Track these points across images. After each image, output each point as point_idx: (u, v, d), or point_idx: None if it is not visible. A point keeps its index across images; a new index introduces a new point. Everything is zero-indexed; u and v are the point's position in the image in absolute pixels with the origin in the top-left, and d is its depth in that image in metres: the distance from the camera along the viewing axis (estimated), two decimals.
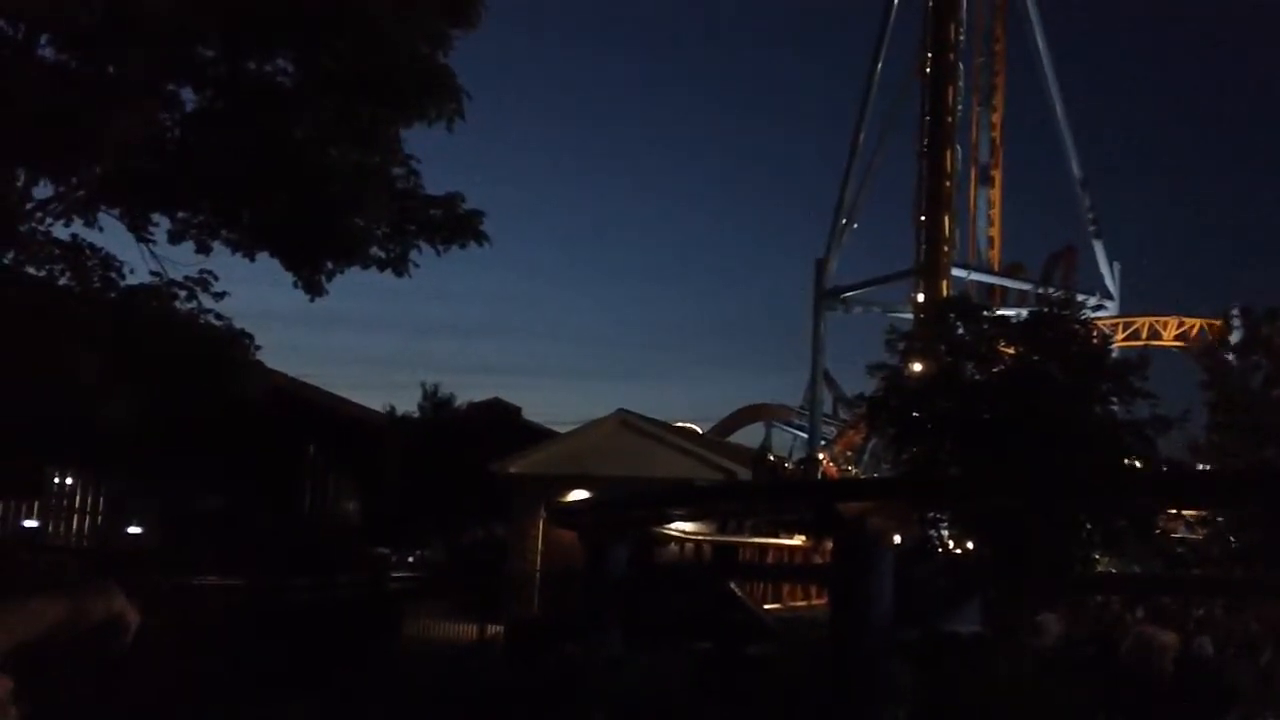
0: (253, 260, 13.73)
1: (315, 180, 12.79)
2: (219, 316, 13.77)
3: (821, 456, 50.70)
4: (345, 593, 22.14)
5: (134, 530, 24.34)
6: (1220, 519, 24.49)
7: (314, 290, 13.75)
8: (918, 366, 27.04)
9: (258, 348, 14.33)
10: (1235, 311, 31.09)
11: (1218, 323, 39.12)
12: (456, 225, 13.74)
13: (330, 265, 13.69)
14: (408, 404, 40.00)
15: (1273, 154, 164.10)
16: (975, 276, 55.21)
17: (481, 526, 34.13)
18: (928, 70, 54.17)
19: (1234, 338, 29.84)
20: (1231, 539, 24.16)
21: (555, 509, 26.33)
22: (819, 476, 45.02)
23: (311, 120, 12.97)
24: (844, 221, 59.02)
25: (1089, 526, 20.77)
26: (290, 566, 21.26)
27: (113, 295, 13.33)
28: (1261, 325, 27.23)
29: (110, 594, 2.05)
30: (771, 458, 41.52)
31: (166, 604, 16.71)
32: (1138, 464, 21.55)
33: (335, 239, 13.38)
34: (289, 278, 13.74)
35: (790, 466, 45.55)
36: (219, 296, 13.67)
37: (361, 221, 13.35)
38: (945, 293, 47.45)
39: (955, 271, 53.17)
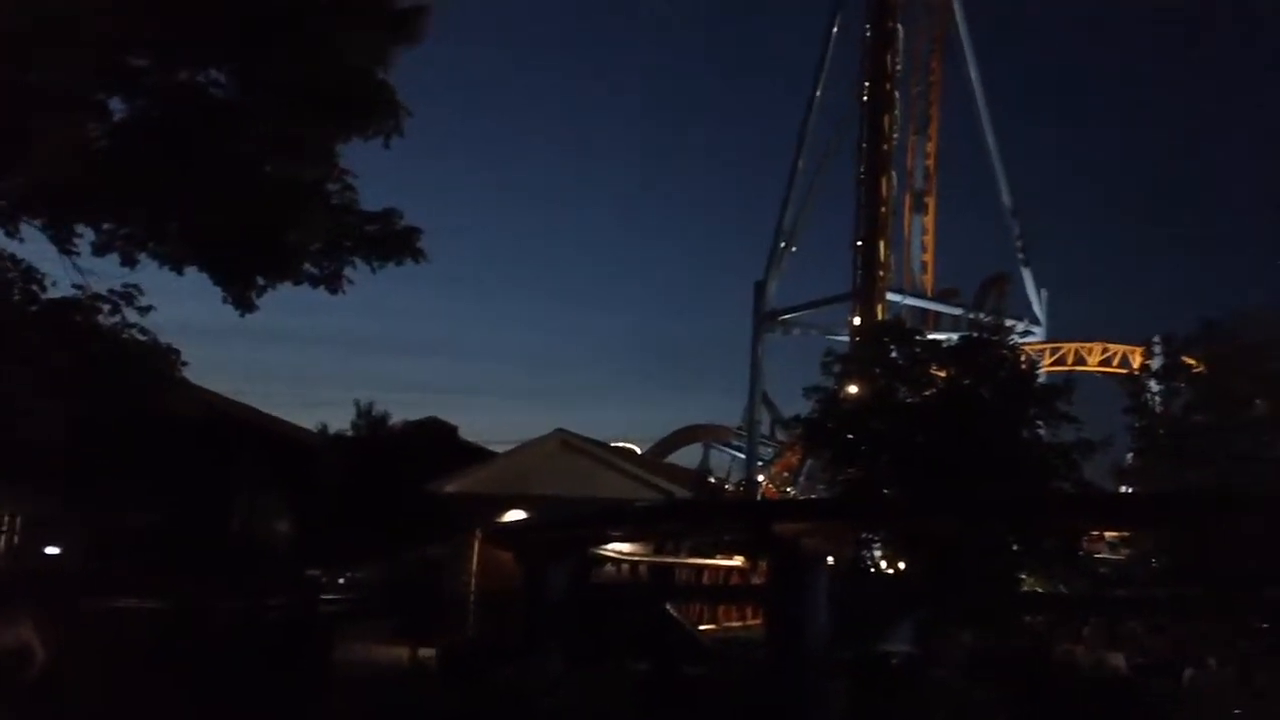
0: (181, 274, 13.45)
1: (248, 194, 12.58)
2: (144, 331, 13.47)
3: (761, 479, 50.96)
4: (275, 615, 21.71)
5: (53, 550, 23.68)
6: (1143, 541, 24.95)
7: (244, 306, 13.50)
8: (854, 389, 27.36)
9: (184, 363, 14.05)
10: (1157, 339, 31.82)
11: (1140, 349, 40.06)
12: (393, 242, 13.57)
13: (262, 281, 13.45)
14: (341, 422, 39.46)
15: (1194, 186, 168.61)
16: (910, 301, 55.96)
17: (417, 547, 33.70)
18: (865, 99, 55.01)
19: (1155, 364, 30.53)
20: (1154, 560, 24.61)
21: (492, 529, 26.14)
22: (759, 498, 45.29)
23: (246, 133, 12.76)
24: (783, 245, 59.61)
25: (1016, 548, 21.13)
26: (218, 588, 20.82)
27: (34, 308, 12.98)
28: (1182, 352, 27.86)
29: (18, 623, 1.98)
30: (713, 479, 41.67)
31: (89, 627, 16.28)
32: (1064, 486, 21.97)
33: (268, 254, 13.15)
34: (218, 292, 13.50)
35: (731, 488, 45.72)
36: (144, 311, 13.37)
37: (295, 237, 13.13)
38: (881, 317, 48.07)
39: (891, 296, 53.88)
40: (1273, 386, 25.00)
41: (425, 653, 21.16)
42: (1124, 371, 42.94)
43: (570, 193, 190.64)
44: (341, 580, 34.97)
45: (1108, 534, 25.71)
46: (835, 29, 58.71)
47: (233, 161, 12.61)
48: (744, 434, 58.96)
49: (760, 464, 55.76)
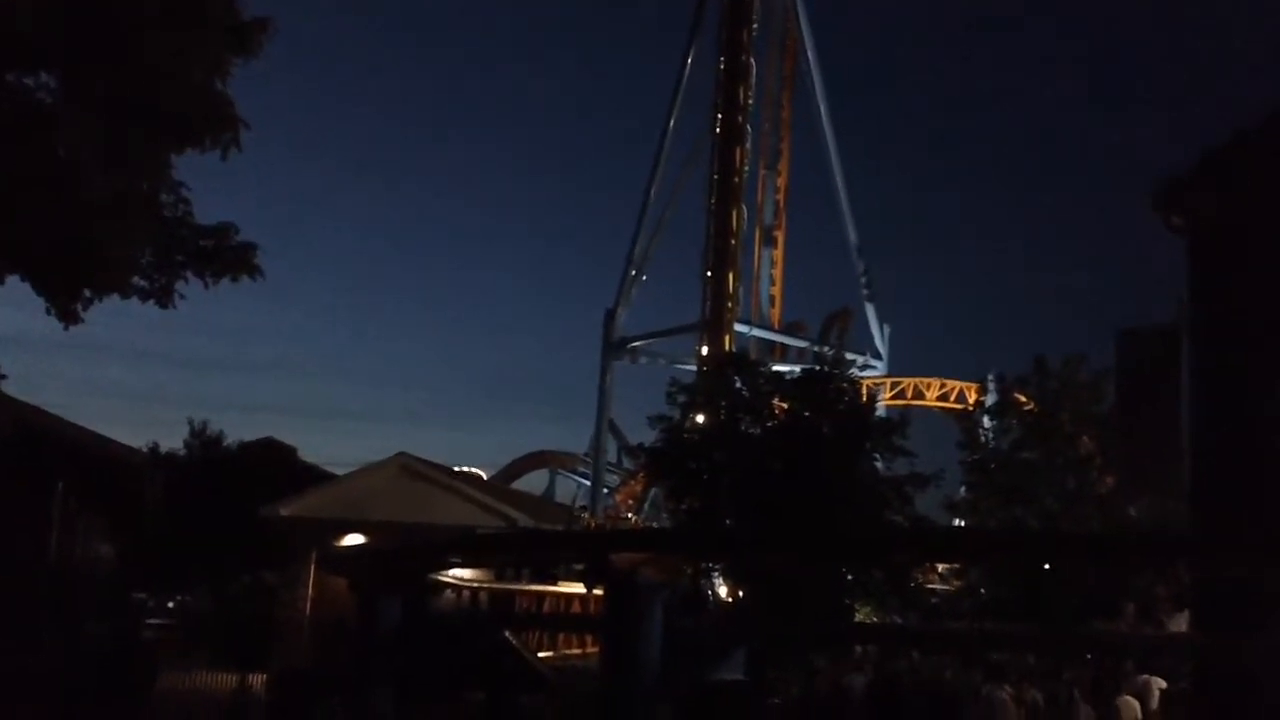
0: (2, 283, 12.80)
1: (74, 203, 12.05)
2: None
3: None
4: (95, 642, 20.71)
5: None
6: (972, 574, 25.77)
7: (69, 319, 12.86)
8: (700, 418, 27.69)
9: (2, 376, 13.34)
10: (991, 376, 32.97)
11: (975, 386, 41.57)
12: (228, 257, 13.12)
13: (88, 294, 12.88)
14: (174, 441, 38.06)
15: (1034, 231, 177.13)
16: (757, 333, 57.03)
17: (250, 572, 32.62)
18: (718, 131, 56.00)
19: (989, 400, 31.58)
20: (982, 591, 25.41)
21: (328, 555, 25.48)
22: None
23: (74, 141, 12.22)
24: (634, 273, 60.08)
25: (850, 579, 21.68)
26: (31, 615, 19.72)
27: None
28: (1014, 390, 28.83)
29: None
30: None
31: None
32: (897, 519, 22.64)
33: (94, 266, 12.60)
34: (42, 302, 12.87)
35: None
36: None
37: (123, 249, 12.61)
38: (729, 347, 48.82)
39: (738, 327, 54.82)
40: (1098, 426, 25.96)
41: (254, 682, 20.48)
42: (959, 407, 44.38)
43: (418, 216, 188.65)
44: (168, 605, 33.65)
45: (941, 566, 26.46)
46: (690, 61, 59.68)
47: (59, 169, 12.06)
48: (590, 461, 59.06)
49: (606, 491, 55.91)
